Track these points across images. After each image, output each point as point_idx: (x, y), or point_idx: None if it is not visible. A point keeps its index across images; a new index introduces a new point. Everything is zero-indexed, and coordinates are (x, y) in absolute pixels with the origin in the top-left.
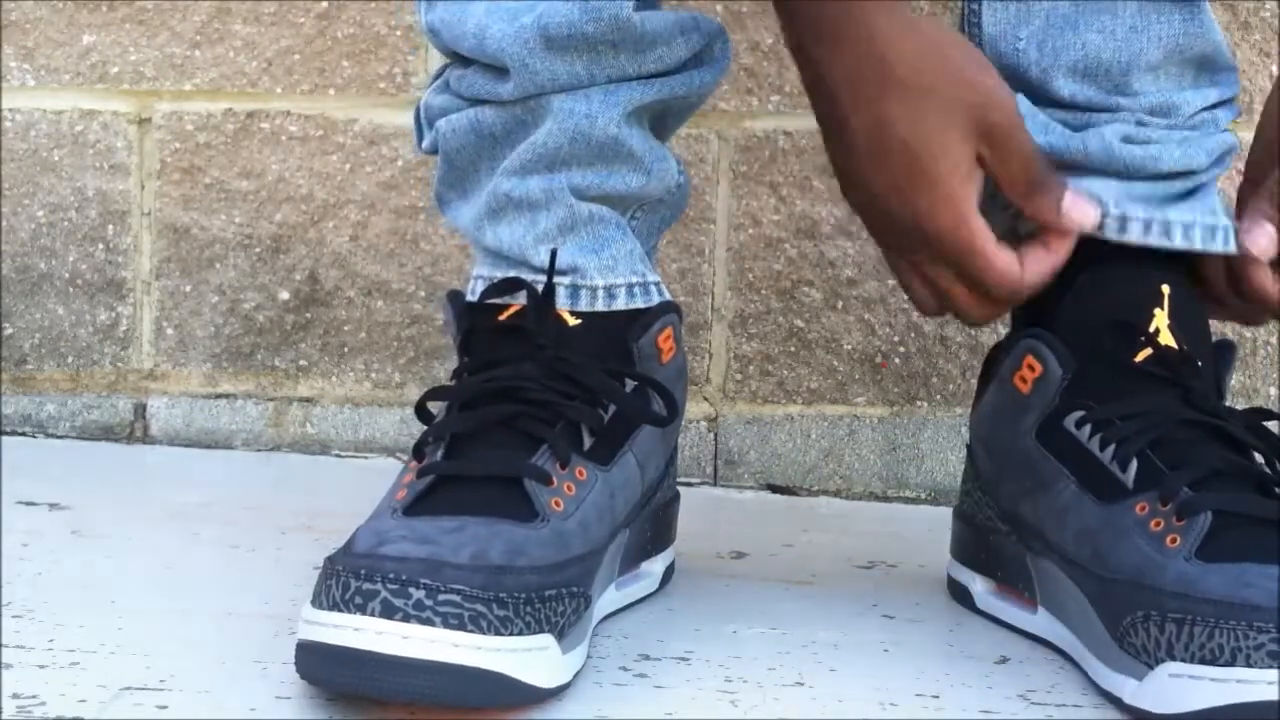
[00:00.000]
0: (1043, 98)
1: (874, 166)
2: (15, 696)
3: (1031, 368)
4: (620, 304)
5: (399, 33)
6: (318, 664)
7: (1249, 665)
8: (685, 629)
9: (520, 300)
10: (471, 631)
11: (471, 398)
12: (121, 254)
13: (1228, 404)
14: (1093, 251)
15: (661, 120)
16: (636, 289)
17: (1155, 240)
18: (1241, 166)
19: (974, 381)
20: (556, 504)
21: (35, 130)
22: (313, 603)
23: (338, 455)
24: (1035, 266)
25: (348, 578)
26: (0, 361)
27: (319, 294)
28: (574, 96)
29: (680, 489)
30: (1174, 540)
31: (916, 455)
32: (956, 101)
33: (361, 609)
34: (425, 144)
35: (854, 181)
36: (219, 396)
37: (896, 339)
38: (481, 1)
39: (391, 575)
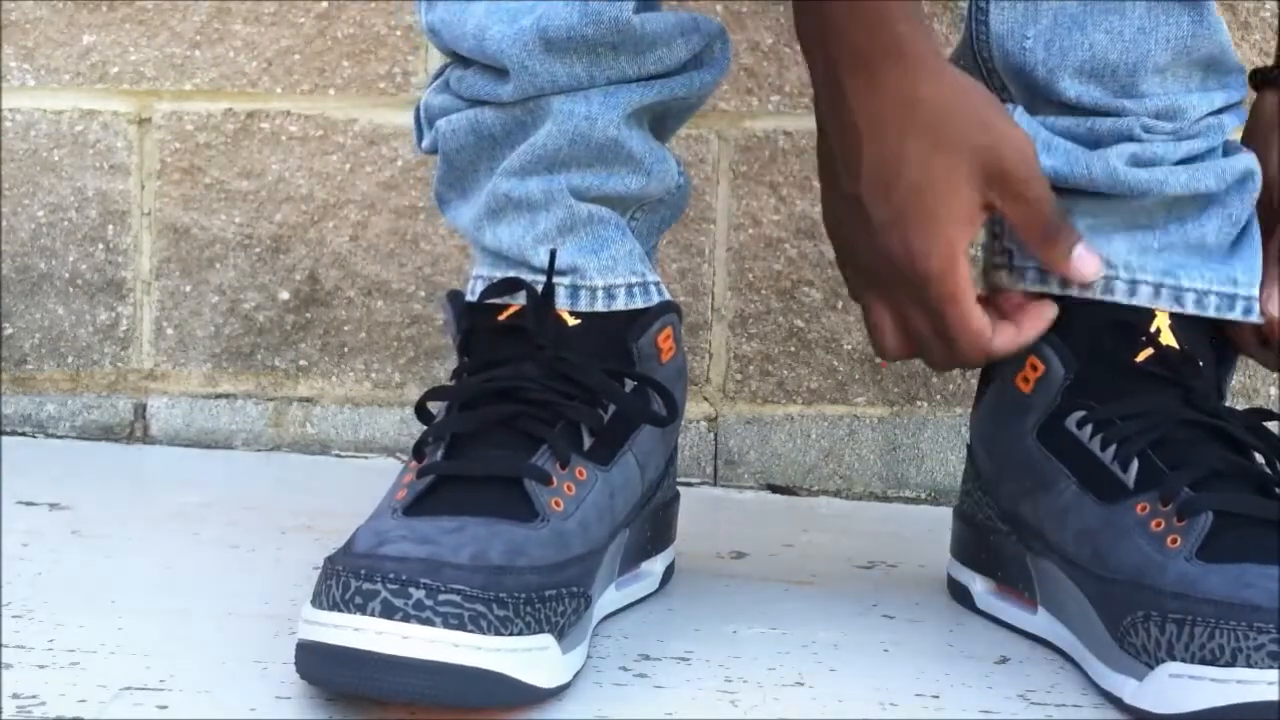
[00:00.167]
0: (1049, 99)
1: (879, 198)
2: (15, 696)
3: (1034, 367)
4: (620, 304)
5: (399, 33)
6: (318, 664)
7: (1249, 666)
8: (685, 629)
9: (520, 300)
10: (471, 631)
11: (471, 398)
12: (121, 254)
13: (1228, 404)
14: None
15: (661, 121)
16: (636, 289)
17: (1165, 306)
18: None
19: (974, 381)
20: (556, 504)
21: (35, 130)
22: (313, 603)
23: (338, 455)
24: (1003, 339)
25: (348, 578)
26: (0, 361)
27: (319, 294)
28: (574, 98)
29: (680, 489)
30: (1174, 540)
31: (916, 455)
32: (973, 149)
33: (362, 609)
34: (425, 144)
35: (850, 209)
36: (219, 396)
37: None
38: (482, 2)
39: (391, 575)
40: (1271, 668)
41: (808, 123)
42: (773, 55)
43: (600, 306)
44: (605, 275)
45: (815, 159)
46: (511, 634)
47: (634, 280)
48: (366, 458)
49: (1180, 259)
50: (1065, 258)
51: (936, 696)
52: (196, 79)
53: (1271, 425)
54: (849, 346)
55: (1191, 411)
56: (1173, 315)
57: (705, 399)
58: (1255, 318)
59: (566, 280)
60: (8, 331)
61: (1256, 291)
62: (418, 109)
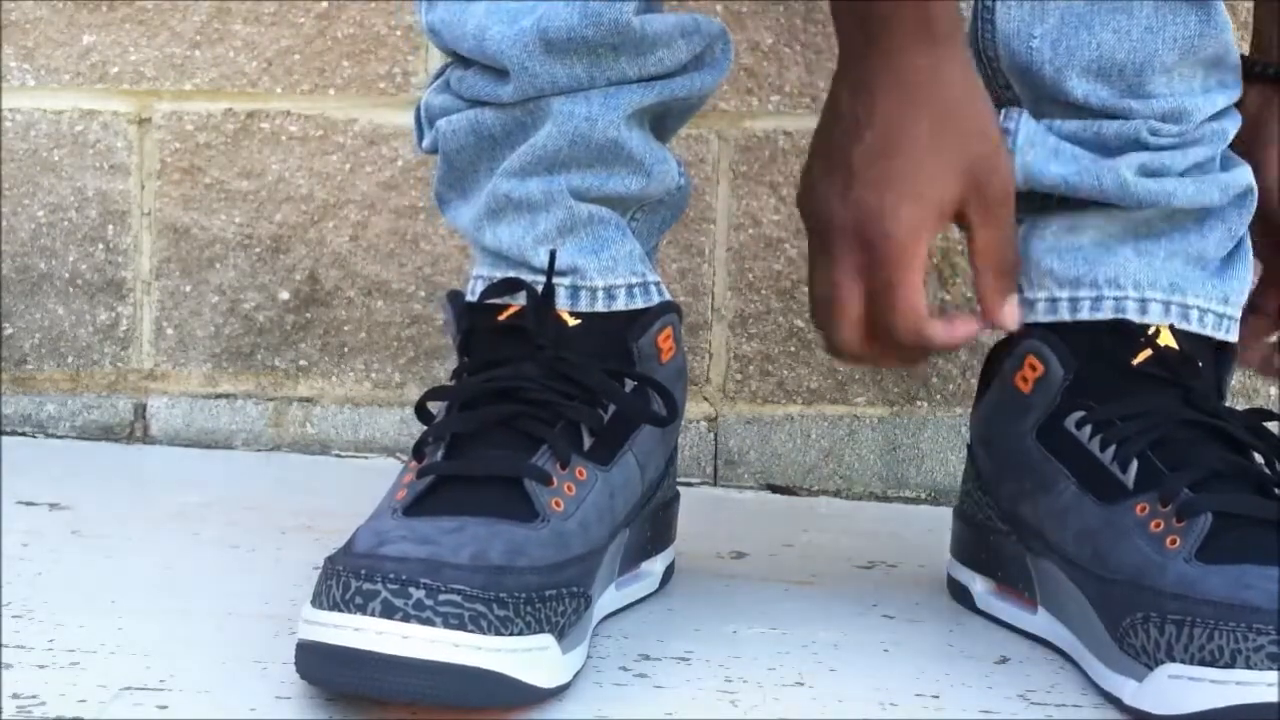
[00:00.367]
0: (1056, 99)
1: (870, 163)
2: (15, 696)
3: (1033, 368)
4: (620, 304)
5: (399, 33)
6: (318, 664)
7: (1248, 667)
8: (685, 629)
9: (520, 300)
10: (472, 631)
11: (471, 398)
12: (121, 254)
13: (1228, 404)
14: None
15: (662, 121)
16: (636, 289)
17: (1175, 322)
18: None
19: (974, 381)
20: (556, 504)
21: (35, 130)
22: (313, 603)
23: (338, 455)
24: (936, 328)
25: (348, 578)
26: (0, 361)
27: (319, 294)
28: (574, 99)
29: (680, 489)
30: (1174, 541)
31: (916, 455)
32: (970, 152)
33: (362, 609)
34: (425, 143)
35: (837, 171)
36: (219, 396)
37: None
38: (482, 2)
39: (391, 575)
40: (1271, 669)
41: (808, 123)
42: (773, 55)
43: (600, 307)
44: (605, 275)
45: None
46: (512, 634)
47: (634, 280)
48: (366, 458)
49: (1182, 270)
50: (1003, 297)
51: (936, 696)
52: (196, 79)
53: (1271, 425)
54: None
55: (1191, 412)
56: None
57: (705, 399)
58: (1234, 338)
59: (566, 280)
60: (8, 331)
61: (1238, 314)
62: (418, 109)
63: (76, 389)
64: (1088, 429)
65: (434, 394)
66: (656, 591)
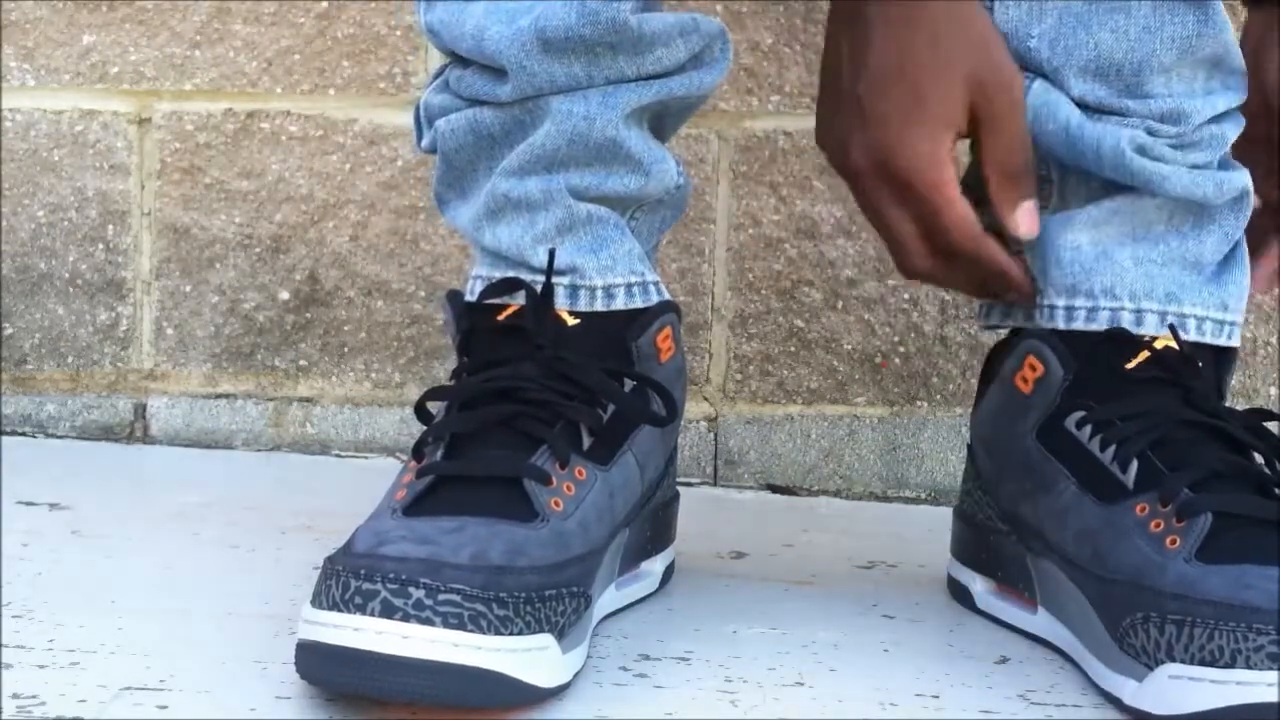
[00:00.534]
0: None
1: (878, 96)
2: (15, 696)
3: (1033, 368)
4: (619, 304)
5: (399, 33)
6: (318, 664)
7: (1249, 667)
8: (685, 629)
9: (519, 300)
10: (471, 631)
11: (471, 398)
12: (121, 254)
13: (1228, 404)
14: None
15: (661, 121)
16: (635, 289)
17: (1169, 332)
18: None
19: (974, 381)
20: (556, 504)
21: (35, 130)
22: (313, 603)
23: (338, 455)
24: (990, 245)
25: (348, 578)
26: (0, 361)
27: (319, 294)
28: (572, 98)
29: (680, 489)
30: (1174, 541)
31: (916, 455)
32: (970, 61)
33: (361, 609)
34: (424, 143)
35: (849, 109)
36: (219, 396)
37: (896, 339)
38: (480, 2)
39: (391, 575)
40: (1271, 669)
41: (808, 123)
42: (773, 55)
43: (599, 306)
44: (604, 275)
45: (815, 159)
46: (511, 634)
47: (633, 280)
48: (366, 458)
49: (1179, 276)
50: (1015, 203)
51: (936, 696)
52: (196, 79)
53: (1271, 425)
54: (849, 346)
55: (1191, 412)
56: None
57: (705, 399)
58: (1235, 343)
59: (566, 280)
60: (8, 331)
61: (1240, 318)
62: (417, 109)
63: (76, 389)
64: (1088, 429)
65: (433, 394)
66: (656, 591)
